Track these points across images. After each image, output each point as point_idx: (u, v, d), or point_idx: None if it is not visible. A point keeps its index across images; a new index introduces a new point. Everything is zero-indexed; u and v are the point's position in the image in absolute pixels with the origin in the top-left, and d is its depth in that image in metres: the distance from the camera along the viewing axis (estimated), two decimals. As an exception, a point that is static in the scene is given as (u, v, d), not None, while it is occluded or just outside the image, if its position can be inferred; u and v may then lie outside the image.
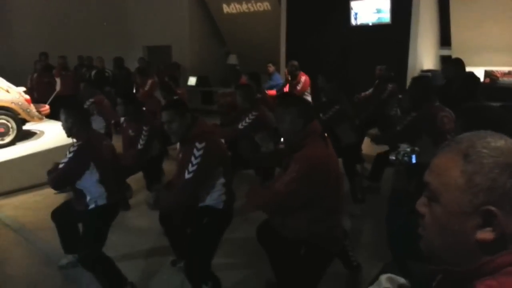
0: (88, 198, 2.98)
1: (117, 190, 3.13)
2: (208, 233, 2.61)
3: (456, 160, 0.75)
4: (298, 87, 6.58)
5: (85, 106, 5.19)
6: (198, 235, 2.63)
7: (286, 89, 6.79)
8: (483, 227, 0.72)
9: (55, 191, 4.91)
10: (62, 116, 3.00)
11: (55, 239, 3.36)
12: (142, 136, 4.22)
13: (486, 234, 0.72)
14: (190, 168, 2.46)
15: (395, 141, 1.17)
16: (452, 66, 4.45)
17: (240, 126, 4.17)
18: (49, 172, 3.07)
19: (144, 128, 4.25)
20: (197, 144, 2.50)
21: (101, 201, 2.99)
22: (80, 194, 3.01)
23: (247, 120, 4.16)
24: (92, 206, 2.99)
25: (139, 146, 4.23)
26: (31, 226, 4.33)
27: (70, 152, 2.90)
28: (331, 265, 2.38)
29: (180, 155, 2.70)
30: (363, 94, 6.45)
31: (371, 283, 1.03)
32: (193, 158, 2.47)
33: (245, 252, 3.56)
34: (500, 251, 0.72)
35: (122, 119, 4.60)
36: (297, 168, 2.15)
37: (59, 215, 3.25)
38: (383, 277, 1.01)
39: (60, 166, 2.88)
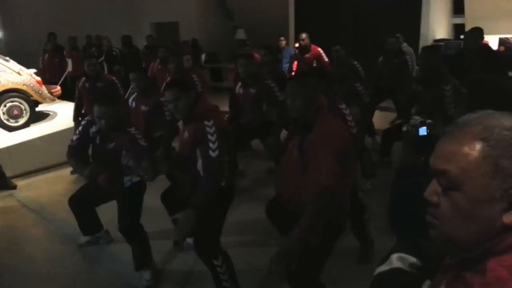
0: (125, 177, 3.10)
1: None
2: (212, 211, 2.62)
3: (473, 144, 0.72)
4: (307, 55, 6.41)
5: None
6: (202, 214, 2.61)
7: (295, 65, 6.64)
8: (509, 210, 0.71)
9: (71, 171, 5.05)
10: (101, 110, 2.93)
11: (72, 218, 3.44)
12: (165, 107, 4.02)
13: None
14: (213, 146, 2.46)
15: None
16: (475, 35, 4.32)
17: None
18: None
19: (161, 98, 4.15)
20: (206, 122, 2.49)
21: (135, 178, 3.12)
22: (117, 175, 3.08)
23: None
24: (128, 184, 3.11)
25: (168, 117, 4.09)
26: (49, 206, 4.44)
27: (139, 138, 3.03)
28: (344, 240, 2.39)
29: (186, 134, 2.66)
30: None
31: (382, 262, 1.05)
32: (210, 136, 2.47)
33: (256, 231, 3.60)
34: None
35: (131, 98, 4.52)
36: (327, 151, 2.09)
37: (76, 202, 3.32)
38: (394, 256, 1.02)
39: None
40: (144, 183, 3.22)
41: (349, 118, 3.04)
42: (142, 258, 3.02)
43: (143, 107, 4.17)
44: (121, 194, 3.09)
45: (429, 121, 1.32)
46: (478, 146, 0.72)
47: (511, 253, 0.71)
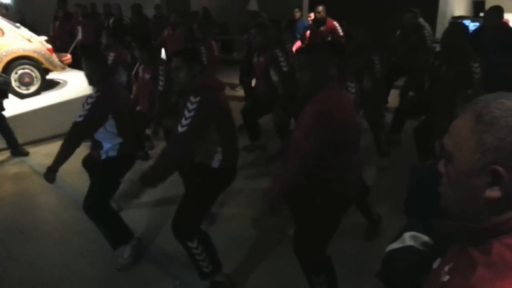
0: (102, 149, 2.96)
1: (132, 143, 3.10)
2: (198, 194, 2.52)
3: (469, 120, 0.76)
4: (323, 28, 6.29)
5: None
6: (188, 194, 2.55)
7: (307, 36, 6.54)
8: (491, 185, 0.73)
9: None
10: (84, 64, 2.96)
11: (83, 185, 3.48)
12: (160, 77, 4.14)
13: (493, 193, 0.73)
14: (184, 122, 2.32)
15: None
16: (495, 14, 4.21)
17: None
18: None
19: (160, 67, 4.18)
20: (191, 98, 2.35)
21: (112, 153, 2.95)
22: (96, 145, 3.01)
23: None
24: (103, 157, 2.95)
25: (160, 88, 4.12)
26: (60, 173, 4.45)
27: (88, 104, 2.82)
28: (351, 216, 2.39)
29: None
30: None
31: (394, 240, 1.05)
32: (186, 112, 2.32)
33: (262, 203, 3.64)
34: (507, 210, 0.74)
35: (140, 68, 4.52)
36: (313, 112, 2.08)
37: (88, 162, 3.31)
38: (407, 235, 1.02)
39: (79, 119, 2.80)
40: (125, 159, 3.04)
41: (353, 96, 2.95)
42: (112, 238, 2.91)
43: (146, 75, 4.22)
44: (95, 167, 2.98)
45: None
46: (472, 121, 0.76)
47: None
